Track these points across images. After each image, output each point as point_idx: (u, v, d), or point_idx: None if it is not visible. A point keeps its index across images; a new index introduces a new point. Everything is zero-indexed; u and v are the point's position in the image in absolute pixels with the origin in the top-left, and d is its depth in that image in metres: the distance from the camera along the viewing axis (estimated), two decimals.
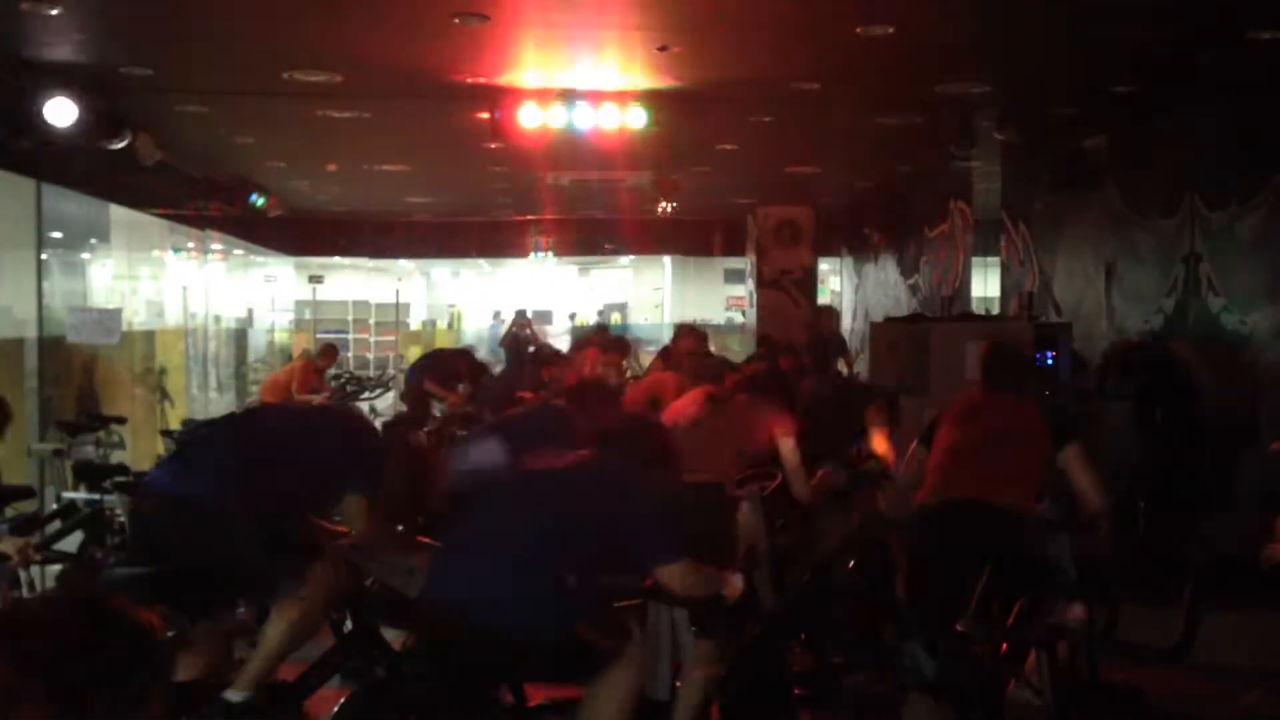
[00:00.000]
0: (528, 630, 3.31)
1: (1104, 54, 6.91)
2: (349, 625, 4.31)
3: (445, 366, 10.02)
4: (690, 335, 8.85)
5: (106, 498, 6.03)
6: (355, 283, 21.05)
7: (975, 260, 9.41)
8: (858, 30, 6.29)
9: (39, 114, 7.50)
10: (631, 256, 20.64)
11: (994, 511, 4.07)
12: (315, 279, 18.95)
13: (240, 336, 15.06)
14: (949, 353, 7.36)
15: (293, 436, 4.23)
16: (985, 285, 9.15)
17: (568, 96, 8.00)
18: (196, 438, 4.47)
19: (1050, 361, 7.38)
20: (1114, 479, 4.47)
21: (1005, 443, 4.32)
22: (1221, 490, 6.42)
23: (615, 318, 21.22)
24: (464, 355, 10.52)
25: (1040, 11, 6.10)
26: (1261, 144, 7.19)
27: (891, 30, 6.28)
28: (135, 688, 1.93)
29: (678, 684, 4.06)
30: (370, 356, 20.21)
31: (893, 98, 8.20)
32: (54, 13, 5.96)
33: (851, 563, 5.74)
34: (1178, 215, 8.06)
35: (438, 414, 9.36)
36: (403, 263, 20.90)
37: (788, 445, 5.48)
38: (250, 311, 16.07)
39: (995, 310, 8.81)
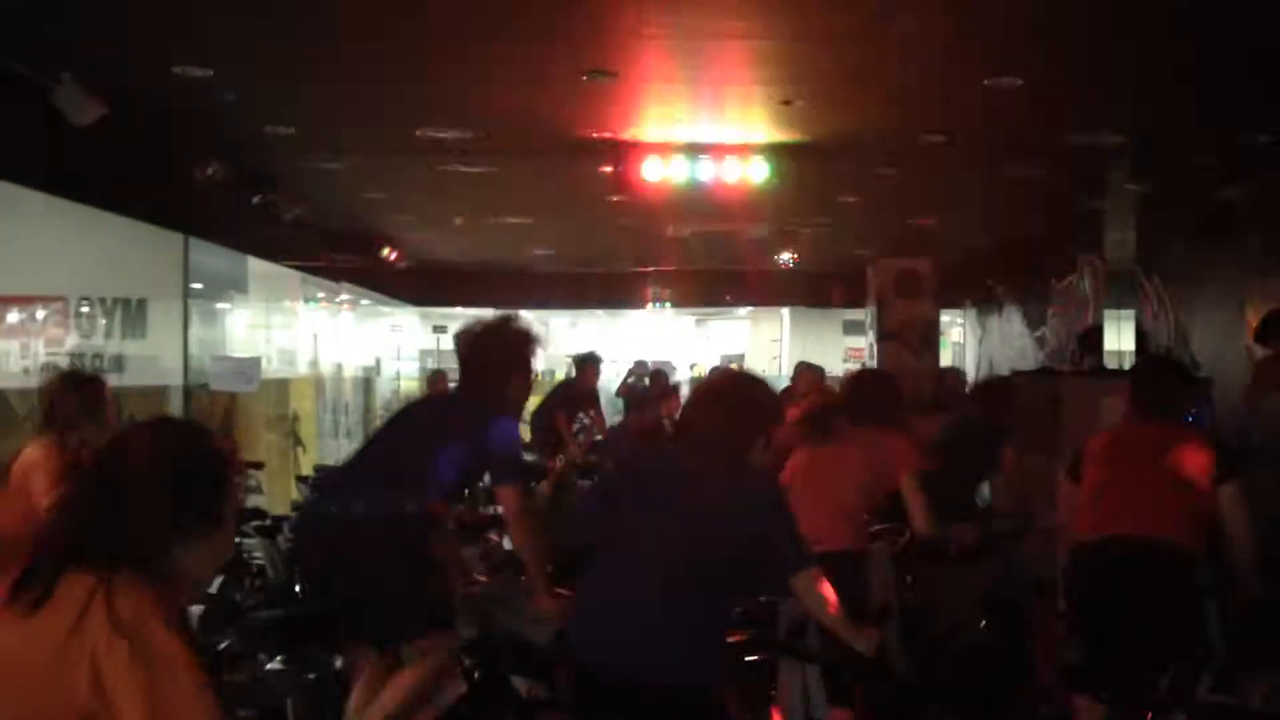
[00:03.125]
0: (671, 676, 3.15)
1: (1241, 102, 6.72)
2: (479, 674, 4.35)
3: (579, 397, 10.08)
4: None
5: (245, 540, 6.20)
6: None
7: (1108, 313, 9.14)
8: (985, 82, 6.24)
9: (189, 171, 7.88)
10: (750, 307, 20.59)
11: (1159, 547, 3.90)
12: (439, 329, 19.32)
13: (367, 384, 15.41)
14: (1082, 408, 7.14)
15: (446, 424, 4.30)
16: (1119, 339, 8.88)
17: (690, 150, 8.09)
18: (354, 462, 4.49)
19: (1190, 419, 7.12)
20: (1262, 528, 4.26)
21: (1159, 473, 4.09)
22: None
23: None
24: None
25: (1173, 60, 5.97)
26: None
27: (1020, 82, 6.22)
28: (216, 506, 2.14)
29: None
30: None
31: (1021, 149, 8.09)
32: (206, 75, 6.28)
33: (984, 623, 5.61)
34: None
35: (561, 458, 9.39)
36: (522, 313, 21.15)
37: (911, 483, 5.11)
38: (377, 360, 16.45)
39: (1129, 365, 8.56)
